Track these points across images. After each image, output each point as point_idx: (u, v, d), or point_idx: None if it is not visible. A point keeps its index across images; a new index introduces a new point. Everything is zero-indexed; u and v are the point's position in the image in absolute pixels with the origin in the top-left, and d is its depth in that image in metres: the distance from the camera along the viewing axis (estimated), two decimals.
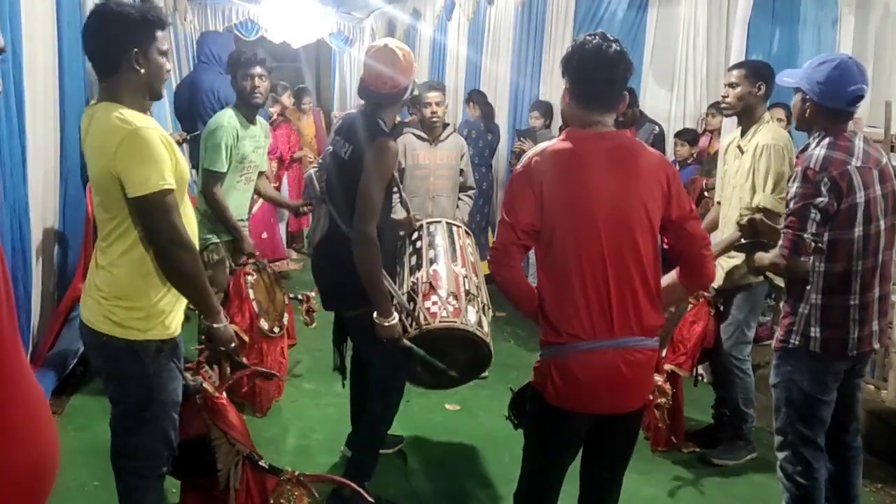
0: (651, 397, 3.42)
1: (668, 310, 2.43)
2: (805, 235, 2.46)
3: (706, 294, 3.53)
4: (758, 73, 3.37)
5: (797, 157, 2.60)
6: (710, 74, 5.84)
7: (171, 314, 2.20)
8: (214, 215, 3.72)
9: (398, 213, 3.36)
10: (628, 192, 2.11)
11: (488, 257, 2.26)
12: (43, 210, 3.72)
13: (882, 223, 2.50)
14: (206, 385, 2.35)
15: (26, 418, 1.39)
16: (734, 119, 3.74)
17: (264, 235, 6.19)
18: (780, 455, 2.68)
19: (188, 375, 2.33)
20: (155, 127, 2.06)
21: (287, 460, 3.48)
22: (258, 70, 3.76)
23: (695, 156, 5.41)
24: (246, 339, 3.76)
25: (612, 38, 2.12)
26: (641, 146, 2.20)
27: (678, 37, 5.94)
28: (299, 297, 4.17)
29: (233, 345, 2.30)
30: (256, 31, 10.12)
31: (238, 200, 3.83)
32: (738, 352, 3.48)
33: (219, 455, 2.29)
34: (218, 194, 3.67)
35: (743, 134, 3.45)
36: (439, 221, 3.36)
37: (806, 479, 2.61)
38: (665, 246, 2.42)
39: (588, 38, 2.14)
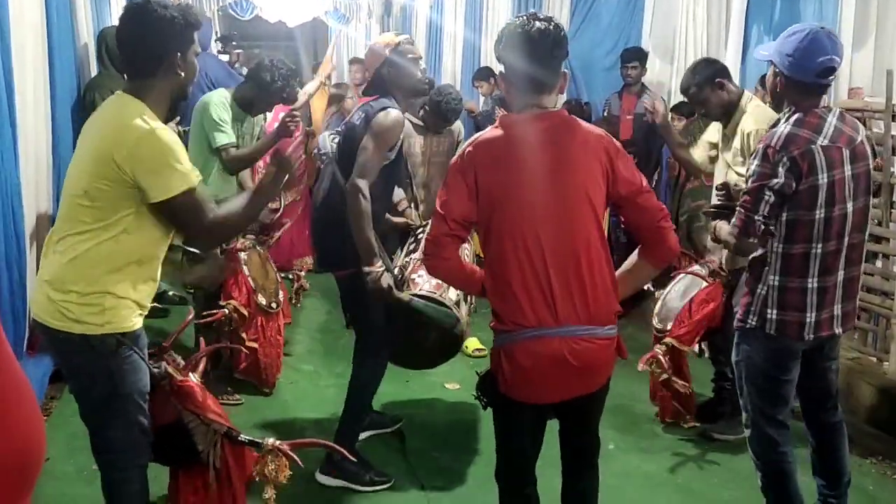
0: (647, 367, 3.44)
1: (636, 290, 2.36)
2: (756, 217, 2.39)
3: (722, 274, 3.50)
4: (708, 75, 3.32)
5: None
6: (710, 46, 5.77)
7: (132, 307, 2.13)
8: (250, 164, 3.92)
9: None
10: (565, 175, 2.07)
11: (423, 249, 2.28)
12: (36, 196, 3.68)
13: (849, 205, 2.40)
14: (170, 370, 2.32)
15: (9, 409, 1.36)
16: None
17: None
18: (746, 433, 2.66)
19: (151, 363, 2.28)
20: (165, 128, 2.05)
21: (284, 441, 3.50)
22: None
23: None
24: (245, 313, 3.77)
25: (540, 17, 2.09)
26: (578, 125, 2.14)
27: (678, 8, 5.86)
28: (290, 276, 4.16)
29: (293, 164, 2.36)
30: (251, 9, 9.99)
31: (225, 180, 3.82)
32: None
33: (196, 437, 2.27)
34: (236, 155, 3.75)
35: (725, 126, 3.41)
36: None
37: (773, 455, 2.58)
38: (623, 225, 2.38)
39: (515, 19, 2.11)
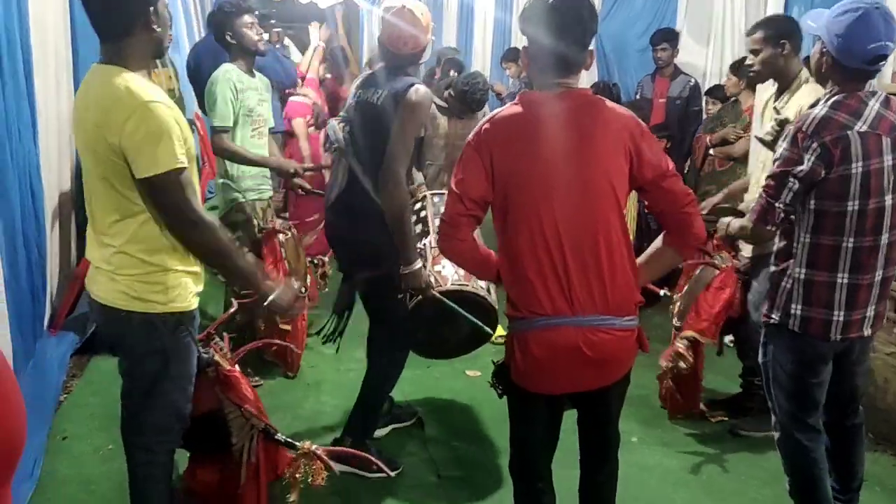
0: (670, 363, 3.32)
1: (658, 277, 2.26)
2: (777, 204, 2.26)
3: (735, 261, 3.37)
4: (779, 31, 3.09)
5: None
6: (748, 27, 5.55)
7: (191, 285, 2.12)
8: (238, 162, 3.66)
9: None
10: (586, 157, 1.97)
11: (438, 230, 2.15)
12: (59, 173, 3.68)
13: (888, 198, 2.23)
14: (217, 358, 2.29)
15: None
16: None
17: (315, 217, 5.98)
18: (775, 435, 2.54)
19: (200, 349, 2.26)
20: (163, 100, 1.95)
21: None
22: (248, 19, 3.66)
23: None
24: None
25: None
26: (602, 104, 2.03)
27: None
28: (315, 261, 4.12)
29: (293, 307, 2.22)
30: None
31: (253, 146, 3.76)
32: None
33: (233, 429, 2.26)
34: (227, 143, 3.59)
35: (779, 94, 3.22)
36: (443, 193, 3.27)
37: (802, 460, 2.46)
38: (646, 210, 2.26)
39: None
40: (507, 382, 2.14)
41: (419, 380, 3.87)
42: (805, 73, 3.16)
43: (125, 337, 2.12)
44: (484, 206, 2.07)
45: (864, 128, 2.20)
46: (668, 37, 5.48)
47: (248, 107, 3.66)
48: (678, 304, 3.51)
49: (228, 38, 3.68)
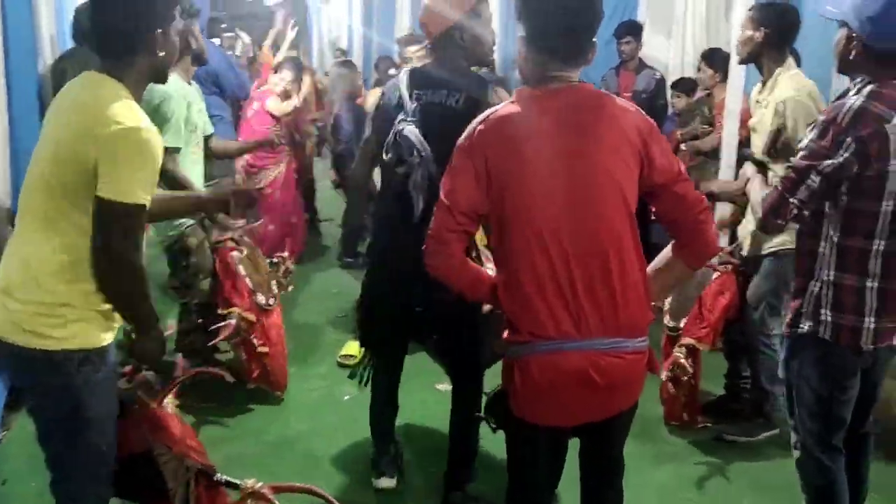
0: (670, 373, 3.19)
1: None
2: (791, 199, 2.10)
3: (733, 262, 3.24)
4: (764, 17, 3.02)
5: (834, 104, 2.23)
6: (710, 20, 5.51)
7: (100, 320, 1.90)
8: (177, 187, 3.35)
9: None
10: (591, 159, 1.78)
11: (424, 246, 1.91)
12: None
13: None
14: (142, 394, 2.08)
15: None
16: (739, 70, 3.45)
17: (294, 220, 5.63)
18: (795, 454, 2.39)
19: (122, 384, 2.06)
20: (154, 129, 1.85)
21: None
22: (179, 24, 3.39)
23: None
24: (252, 318, 3.49)
25: None
26: (607, 100, 1.84)
27: None
28: (274, 259, 3.86)
29: (158, 357, 2.09)
30: None
31: (196, 174, 3.48)
32: (765, 326, 3.18)
33: (166, 472, 2.03)
34: (178, 166, 3.29)
35: (763, 86, 3.13)
36: None
37: (823, 481, 2.31)
38: (654, 216, 2.08)
39: None
40: (504, 414, 1.93)
41: None
42: (789, 62, 3.07)
43: (24, 375, 1.94)
44: (476, 220, 1.87)
45: None
46: (632, 30, 5.35)
47: (194, 123, 3.40)
48: (669, 302, 3.37)
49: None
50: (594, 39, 1.85)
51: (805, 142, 2.12)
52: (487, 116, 1.85)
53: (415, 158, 2.40)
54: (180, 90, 3.31)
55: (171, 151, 3.25)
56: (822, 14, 2.22)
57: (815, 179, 2.06)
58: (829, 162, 2.04)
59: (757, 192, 2.34)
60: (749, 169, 2.52)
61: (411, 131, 2.43)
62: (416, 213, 2.41)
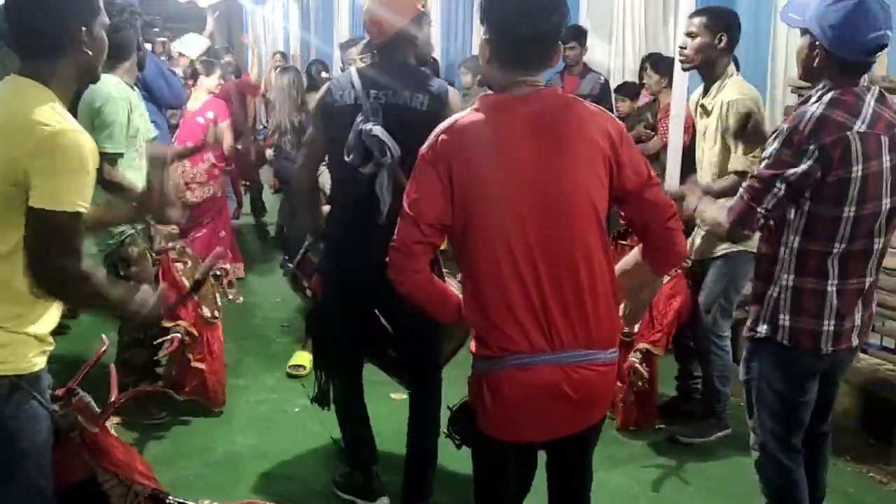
0: (624, 378, 3.18)
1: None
2: (759, 209, 2.11)
3: (683, 265, 3.27)
4: (720, 22, 3.06)
5: (795, 109, 2.24)
6: (648, 26, 5.59)
7: (32, 344, 1.76)
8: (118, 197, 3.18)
9: None
10: (560, 167, 1.73)
11: (388, 258, 1.84)
12: None
13: (885, 202, 2.09)
14: (80, 419, 1.95)
15: None
16: (684, 76, 3.49)
17: (222, 234, 5.45)
18: (754, 455, 2.40)
19: (57, 408, 1.91)
20: (83, 131, 1.72)
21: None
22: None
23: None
24: (196, 333, 3.37)
25: None
26: (574, 104, 1.80)
27: None
28: (217, 272, 3.72)
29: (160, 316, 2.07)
30: None
31: (139, 180, 3.32)
32: (717, 328, 3.22)
33: (113, 499, 1.93)
34: (121, 173, 3.14)
35: (706, 91, 3.17)
36: None
37: (782, 481, 2.34)
38: (622, 221, 2.05)
39: None
40: (470, 429, 1.87)
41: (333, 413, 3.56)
42: (731, 68, 3.12)
43: None
44: (442, 231, 1.80)
45: (864, 128, 2.04)
46: (577, 35, 5.39)
47: (136, 127, 3.22)
48: (622, 306, 3.37)
49: (113, 43, 3.20)
50: (559, 42, 1.81)
51: (768, 150, 2.13)
52: (451, 124, 1.79)
53: (386, 159, 2.34)
54: (122, 93, 3.15)
55: (112, 157, 3.11)
56: (784, 21, 2.24)
57: (780, 187, 2.07)
58: (793, 171, 2.05)
59: (713, 208, 2.34)
60: (691, 193, 2.52)
61: (380, 131, 2.37)
62: (381, 216, 2.35)
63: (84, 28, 1.75)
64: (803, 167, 2.04)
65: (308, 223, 2.99)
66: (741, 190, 2.18)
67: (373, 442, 2.93)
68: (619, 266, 1.92)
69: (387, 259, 1.83)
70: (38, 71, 1.75)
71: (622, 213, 1.92)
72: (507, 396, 1.75)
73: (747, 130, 2.97)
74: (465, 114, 1.80)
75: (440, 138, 1.77)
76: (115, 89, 3.13)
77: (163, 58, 6.74)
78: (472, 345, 1.83)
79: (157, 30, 7.69)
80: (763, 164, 2.13)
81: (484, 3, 1.77)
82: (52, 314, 1.82)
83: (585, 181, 1.73)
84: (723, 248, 3.11)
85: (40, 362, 1.80)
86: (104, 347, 2.47)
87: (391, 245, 1.82)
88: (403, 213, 1.79)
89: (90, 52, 1.78)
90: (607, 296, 1.78)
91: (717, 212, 2.28)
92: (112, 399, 2.24)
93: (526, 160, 1.72)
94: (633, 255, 1.92)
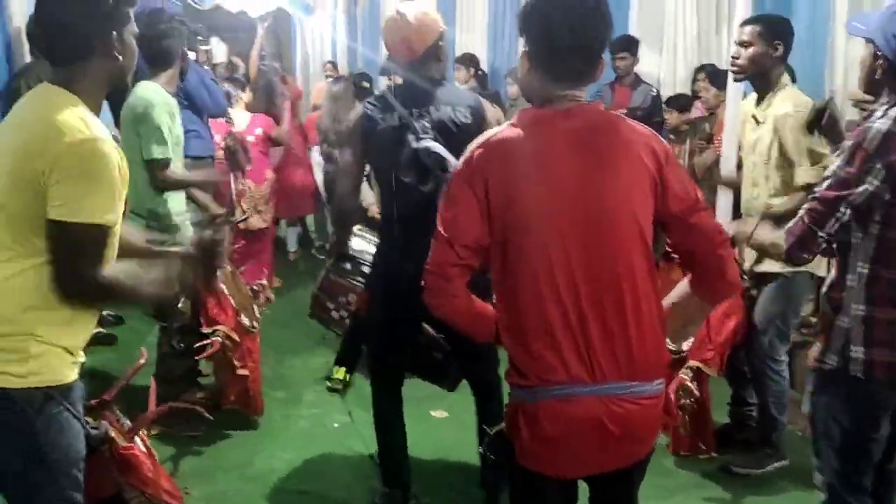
0: (674, 397, 3.04)
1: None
2: (820, 233, 1.98)
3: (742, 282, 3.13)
4: (774, 30, 2.95)
5: (858, 125, 2.12)
6: (701, 35, 5.43)
7: (65, 355, 1.74)
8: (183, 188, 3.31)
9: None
10: (602, 183, 1.64)
11: (423, 282, 1.76)
12: None
13: None
14: (112, 433, 1.93)
15: None
16: (738, 86, 3.36)
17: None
18: (821, 497, 2.24)
19: (90, 420, 1.90)
20: (109, 140, 1.69)
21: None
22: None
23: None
24: (237, 338, 3.36)
25: None
26: (618, 121, 1.71)
27: None
28: (254, 287, 3.72)
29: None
30: None
31: (180, 194, 3.33)
32: (773, 351, 3.07)
33: None
34: (172, 174, 3.17)
35: (759, 101, 3.04)
36: None
37: None
38: (668, 248, 1.94)
39: None
40: (508, 456, 1.77)
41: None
42: (786, 78, 3.00)
43: None
44: (479, 253, 1.71)
45: None
46: (628, 45, 5.27)
47: (177, 135, 3.23)
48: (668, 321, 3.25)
49: (157, 51, 3.22)
50: (603, 55, 1.73)
51: (831, 168, 2.01)
52: (487, 139, 1.72)
53: (448, 175, 2.27)
54: (164, 98, 3.16)
55: (162, 164, 3.11)
56: (850, 32, 2.13)
57: (844, 211, 1.95)
58: (858, 190, 1.92)
59: (769, 233, 2.21)
60: (746, 224, 2.42)
61: (438, 147, 2.39)
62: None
63: (114, 33, 1.74)
64: (870, 187, 1.91)
65: (336, 245, 3.04)
66: (802, 211, 2.05)
67: (407, 461, 2.90)
68: (668, 298, 1.81)
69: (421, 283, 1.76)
70: (68, 78, 1.74)
71: (668, 240, 1.82)
72: (545, 430, 1.66)
73: (823, 127, 2.83)
74: (502, 128, 1.73)
75: (476, 153, 1.69)
76: (156, 94, 3.13)
77: (205, 67, 6.77)
78: (508, 373, 1.75)
79: (200, 38, 7.72)
80: (825, 183, 2.00)
81: (524, 12, 1.70)
82: (86, 326, 1.80)
83: (630, 199, 1.65)
84: (780, 269, 2.96)
85: (72, 374, 1.78)
86: (142, 360, 2.47)
87: (426, 268, 1.75)
88: (437, 233, 1.71)
89: (121, 58, 1.76)
90: (653, 322, 1.68)
91: (774, 235, 2.16)
92: (147, 413, 2.23)
93: (567, 176, 1.64)
94: (682, 286, 1.81)
